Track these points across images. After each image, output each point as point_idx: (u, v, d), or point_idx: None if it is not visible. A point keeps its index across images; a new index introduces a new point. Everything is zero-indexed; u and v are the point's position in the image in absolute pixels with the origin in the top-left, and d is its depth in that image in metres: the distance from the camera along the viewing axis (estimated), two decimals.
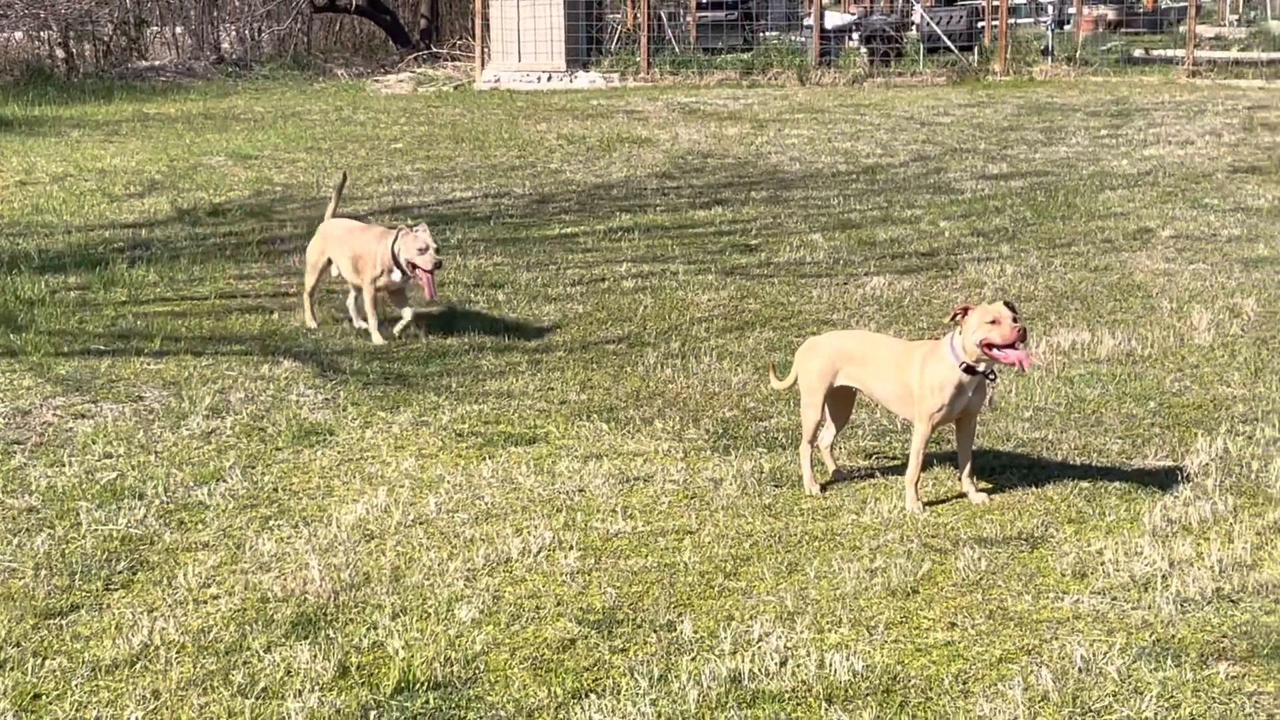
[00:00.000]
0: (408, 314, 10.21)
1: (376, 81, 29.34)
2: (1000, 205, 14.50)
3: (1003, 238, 13.01)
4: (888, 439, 7.90)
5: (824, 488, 7.15)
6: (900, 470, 7.18)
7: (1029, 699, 5.02)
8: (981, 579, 6.06)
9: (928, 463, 7.26)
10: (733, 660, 5.32)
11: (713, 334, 10.08)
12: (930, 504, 6.93)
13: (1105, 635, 5.49)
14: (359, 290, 10.27)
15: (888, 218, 14.09)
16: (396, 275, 9.92)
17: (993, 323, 6.59)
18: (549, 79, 28.05)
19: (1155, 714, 4.89)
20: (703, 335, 10.05)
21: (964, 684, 5.16)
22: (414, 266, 9.72)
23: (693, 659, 5.38)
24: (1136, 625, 5.57)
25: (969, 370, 6.71)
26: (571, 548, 6.44)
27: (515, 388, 8.91)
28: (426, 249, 9.65)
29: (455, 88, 27.93)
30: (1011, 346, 6.58)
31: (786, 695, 5.09)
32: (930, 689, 5.13)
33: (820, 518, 6.79)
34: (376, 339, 9.99)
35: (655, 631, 5.62)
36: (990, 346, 6.60)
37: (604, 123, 21.30)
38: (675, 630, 5.62)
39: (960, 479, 7.05)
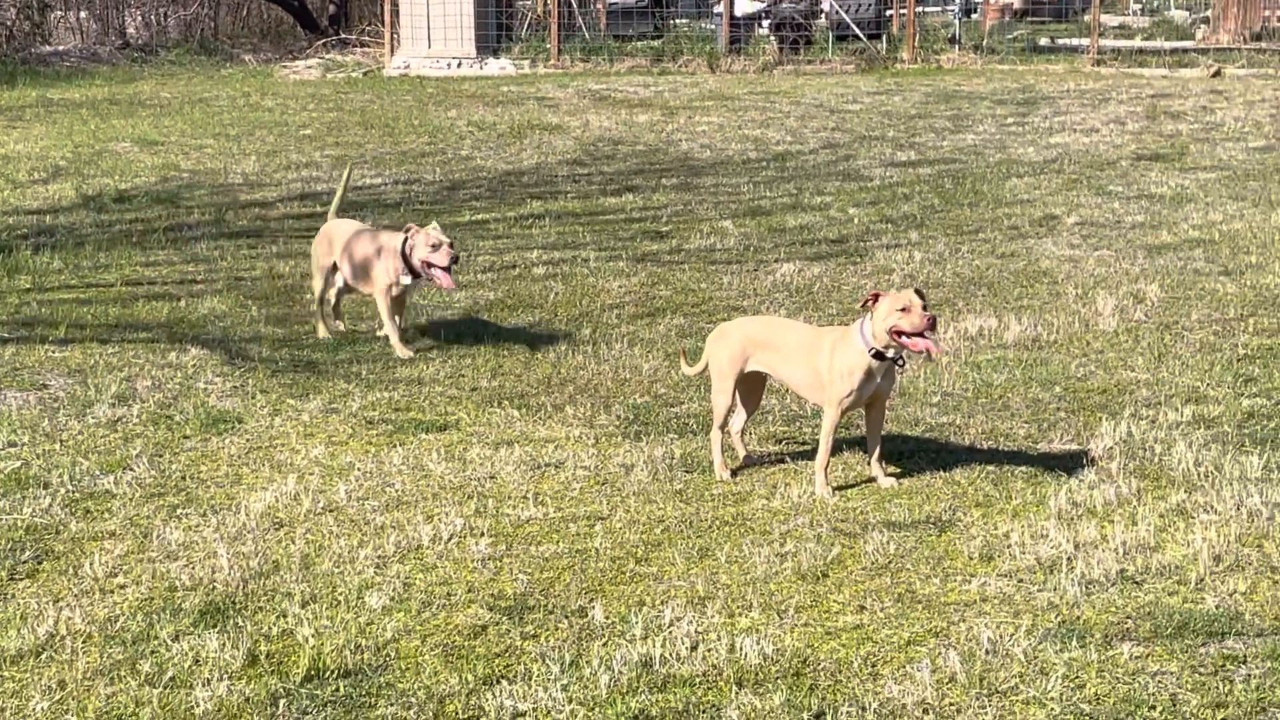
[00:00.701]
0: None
1: (285, 67, 29.09)
2: (909, 192, 14.61)
3: (911, 224, 13.10)
4: (798, 424, 7.95)
5: (735, 473, 7.18)
6: (810, 455, 7.22)
7: (937, 680, 5.07)
8: (890, 562, 6.11)
9: (837, 448, 7.31)
10: (644, 645, 5.34)
11: (624, 320, 10.09)
12: (840, 489, 6.97)
13: (1012, 617, 5.55)
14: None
15: (798, 205, 14.16)
16: (408, 279, 9.27)
17: (903, 310, 6.64)
18: (459, 65, 27.94)
19: (1060, 694, 4.95)
20: (614, 322, 10.06)
21: (873, 666, 5.21)
22: (429, 265, 9.11)
23: (604, 644, 5.39)
24: (1042, 607, 5.64)
25: (878, 356, 6.76)
26: (483, 534, 6.43)
27: (426, 375, 8.88)
28: (440, 245, 9.08)
29: (365, 74, 27.76)
30: (921, 334, 6.64)
31: (697, 679, 5.12)
32: (840, 672, 5.17)
33: (731, 503, 6.82)
34: (401, 351, 9.27)
35: (567, 617, 5.63)
36: (900, 334, 6.65)
37: (515, 109, 21.25)
38: (587, 616, 5.63)
39: (869, 464, 7.10)
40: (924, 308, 6.66)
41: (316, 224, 13.44)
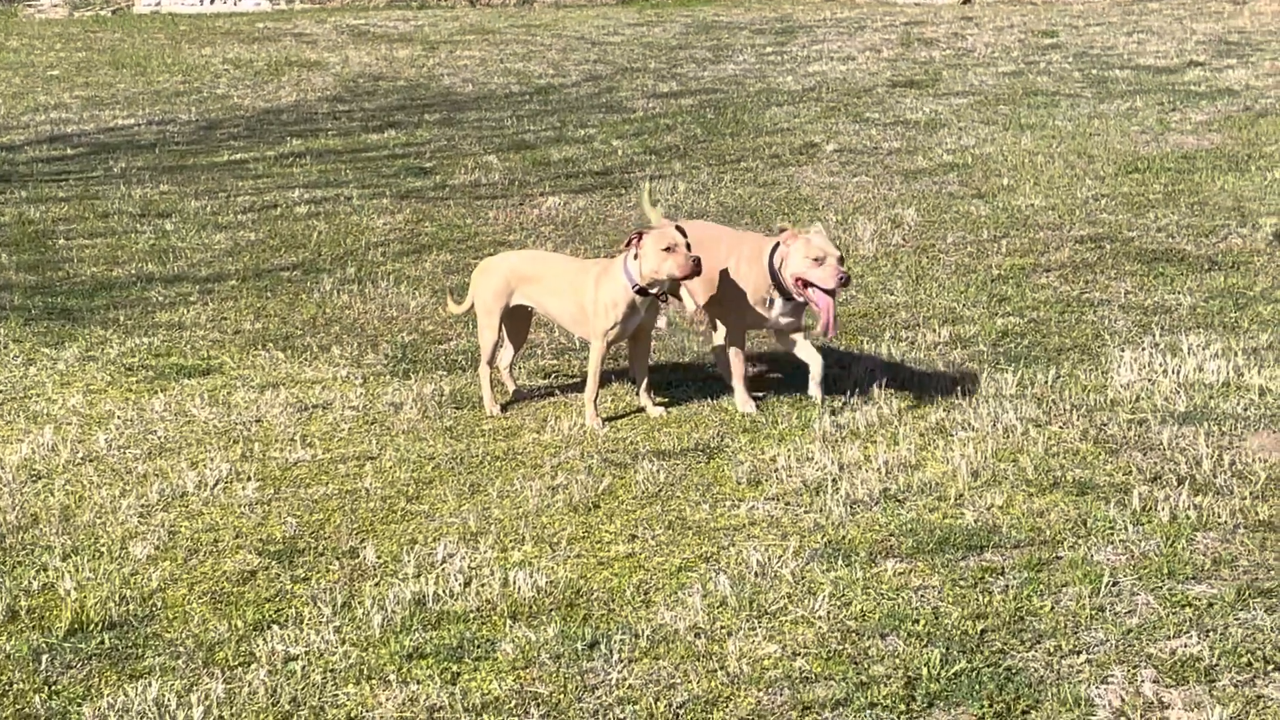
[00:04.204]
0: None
1: (29, 6, 28.09)
2: (671, 123, 14.68)
3: (674, 155, 13.18)
4: (566, 357, 7.96)
5: (504, 408, 7.18)
6: (580, 388, 7.24)
7: (708, 605, 5.13)
8: (661, 490, 6.16)
9: (606, 379, 7.34)
10: (416, 583, 5.32)
11: (389, 258, 9.99)
12: (610, 420, 7.01)
13: (780, 539, 5.65)
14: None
15: (561, 138, 14.14)
16: (779, 306, 7.06)
17: (667, 250, 6.66)
18: (212, 2, 27.27)
19: (828, 612, 5.06)
20: (379, 260, 9.96)
21: (645, 594, 5.26)
22: (805, 284, 6.81)
23: (376, 584, 5.36)
24: (809, 528, 5.74)
25: (641, 291, 6.80)
26: (250, 479, 6.34)
27: (187, 319, 8.70)
28: (824, 258, 6.75)
29: (114, 12, 26.95)
30: (687, 277, 6.70)
31: (471, 614, 5.12)
32: (612, 600, 5.21)
33: (501, 438, 6.82)
34: (748, 406, 7.06)
35: (338, 559, 5.58)
36: (663, 280, 6.71)
37: (271, 46, 20.83)
38: (358, 557, 5.59)
39: (638, 394, 7.15)
40: (688, 246, 6.70)
41: (67, 168, 13.05)
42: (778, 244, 6.88)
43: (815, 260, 6.69)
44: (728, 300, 7.03)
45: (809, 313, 7.19)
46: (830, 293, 6.71)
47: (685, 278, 6.70)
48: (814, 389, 7.11)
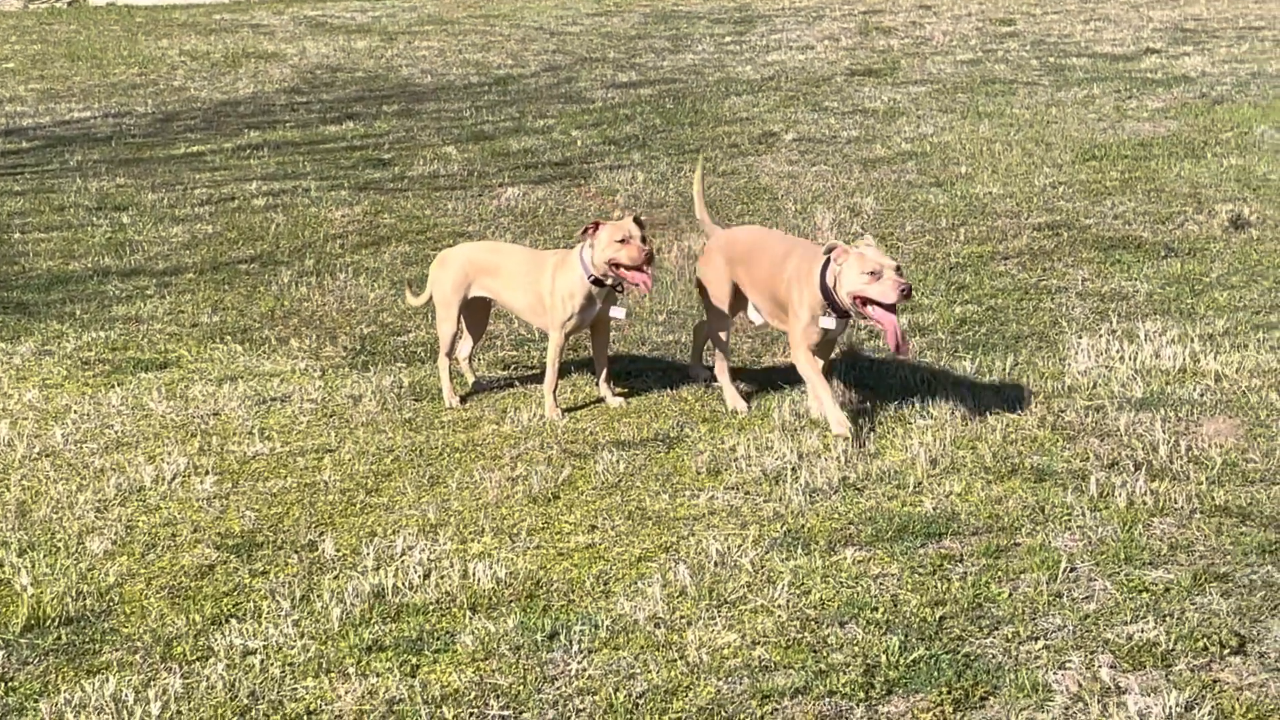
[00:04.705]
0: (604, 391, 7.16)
1: None
2: (630, 113, 14.66)
3: (634, 145, 13.16)
4: (526, 349, 7.95)
5: (464, 399, 7.17)
6: (539, 379, 7.24)
7: (667, 594, 5.14)
8: (620, 481, 6.16)
9: (565, 370, 7.33)
10: (376, 576, 5.31)
11: (348, 250, 9.96)
12: (569, 410, 7.01)
13: (739, 529, 5.66)
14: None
15: (520, 128, 14.11)
16: (831, 323, 6.60)
17: (622, 241, 6.66)
18: None
19: (787, 601, 5.07)
20: (338, 252, 9.92)
21: (605, 584, 5.26)
22: (864, 302, 6.35)
23: (335, 577, 5.35)
24: (768, 517, 5.75)
25: (597, 283, 6.79)
26: (208, 472, 6.31)
27: (144, 312, 8.66)
28: (880, 271, 6.27)
29: (70, 4, 26.76)
30: (638, 268, 6.69)
31: (431, 607, 5.11)
32: (572, 591, 5.21)
33: (461, 429, 6.81)
34: (843, 426, 6.48)
35: (296, 552, 5.56)
36: (617, 265, 6.69)
37: (228, 38, 20.73)
38: (317, 550, 5.58)
39: (598, 384, 7.15)
40: (643, 239, 6.70)
41: (22, 161, 12.96)
42: (827, 261, 6.42)
43: (871, 274, 6.22)
44: (795, 320, 6.59)
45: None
46: (891, 307, 6.26)
47: (636, 267, 6.69)
48: (813, 408, 6.70)
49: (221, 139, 13.88)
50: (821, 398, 6.54)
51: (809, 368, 6.57)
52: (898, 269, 6.28)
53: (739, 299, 7.01)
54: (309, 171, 12.40)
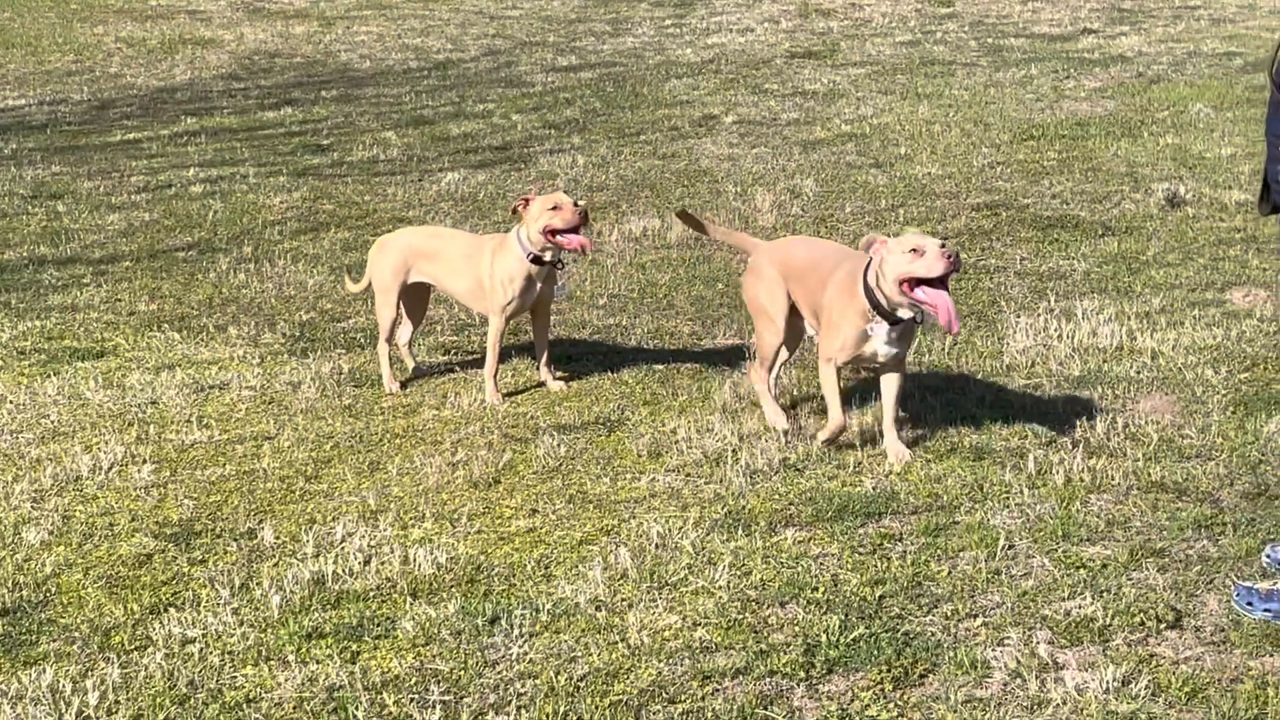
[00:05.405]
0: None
1: None
2: (570, 97, 14.63)
3: (574, 129, 13.14)
4: (466, 333, 7.93)
5: (404, 385, 7.14)
6: (479, 364, 7.22)
7: (608, 578, 5.14)
8: (561, 465, 6.16)
9: (506, 354, 7.32)
10: (316, 563, 5.29)
11: (286, 236, 9.91)
12: (510, 395, 7.00)
13: (680, 511, 5.66)
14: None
15: (460, 113, 14.06)
16: (881, 335, 5.97)
17: (554, 209, 6.67)
18: None
19: (728, 582, 5.07)
20: (276, 238, 9.86)
21: (546, 568, 5.26)
22: (911, 285, 5.80)
23: (275, 565, 5.32)
24: (709, 499, 5.76)
25: (536, 261, 6.78)
26: (145, 461, 6.27)
27: (80, 301, 8.59)
28: (922, 248, 5.77)
29: None
30: (574, 230, 6.69)
31: (371, 593, 5.09)
32: (513, 576, 5.20)
33: (401, 415, 6.79)
34: (837, 420, 6.14)
35: (235, 540, 5.53)
36: (554, 233, 6.68)
37: (164, 24, 20.55)
38: (256, 537, 5.55)
39: (538, 368, 7.14)
40: (575, 204, 6.71)
41: None
42: (869, 266, 5.92)
43: (914, 252, 5.73)
44: (831, 331, 6.08)
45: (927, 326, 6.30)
46: (941, 282, 5.77)
47: (573, 229, 6.67)
48: (887, 430, 6.15)
49: (158, 126, 13.77)
50: (831, 417, 6.11)
51: (832, 385, 6.09)
52: (942, 244, 5.81)
53: (797, 316, 6.44)
54: (247, 158, 12.32)
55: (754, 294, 6.46)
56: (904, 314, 5.89)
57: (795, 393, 6.82)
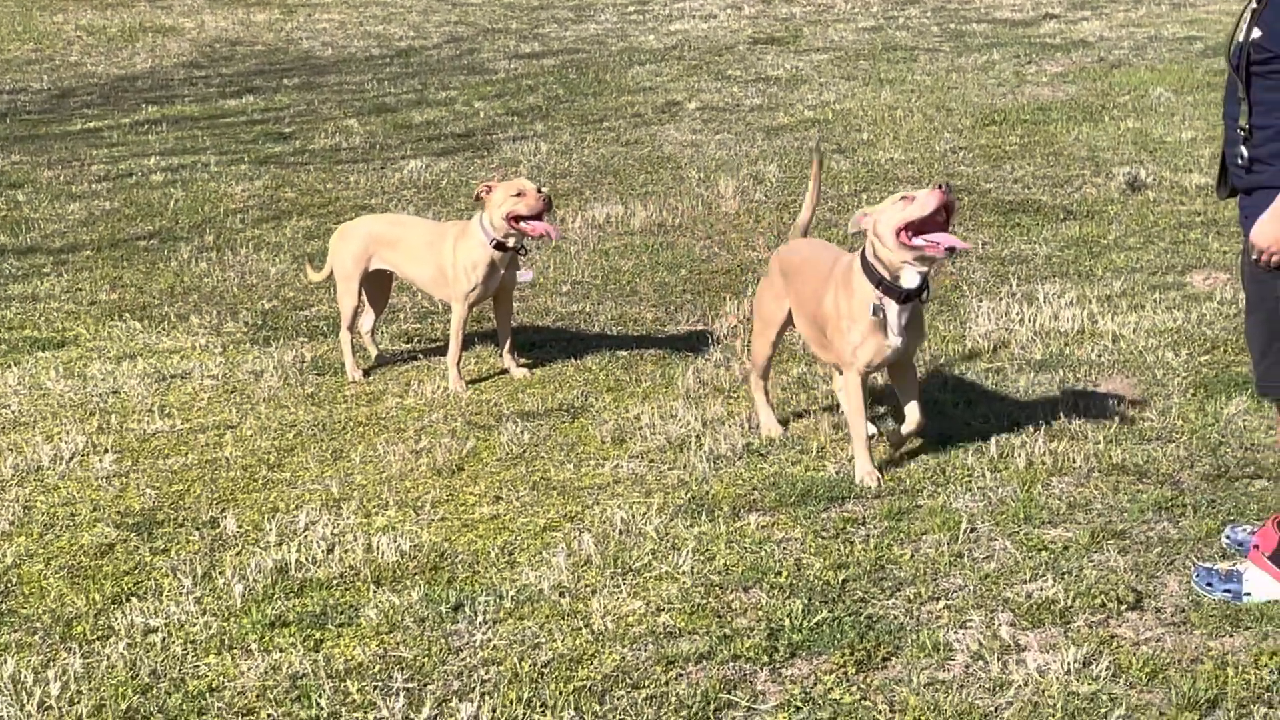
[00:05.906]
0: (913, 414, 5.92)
1: None
2: (533, 84, 14.61)
3: (537, 116, 13.13)
4: (429, 321, 7.92)
5: (367, 373, 7.13)
6: (442, 351, 7.21)
7: (572, 564, 5.14)
8: (525, 452, 6.16)
9: (469, 342, 7.31)
10: (279, 551, 5.27)
11: (249, 225, 9.87)
12: (473, 382, 6.99)
13: (644, 497, 5.67)
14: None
15: (423, 100, 14.03)
16: (894, 319, 5.65)
17: (518, 195, 6.66)
18: None
19: (691, 567, 5.08)
20: (238, 227, 9.83)
21: (510, 555, 5.25)
22: (911, 233, 5.50)
23: (237, 553, 5.31)
24: (673, 485, 5.77)
25: (500, 247, 6.77)
26: (107, 451, 6.24)
27: (40, 290, 8.54)
28: (912, 196, 5.53)
29: None
30: (538, 217, 6.68)
31: (334, 581, 5.08)
32: (477, 563, 5.20)
33: (364, 403, 6.77)
34: (870, 477, 5.72)
35: (198, 529, 5.52)
36: (518, 219, 6.67)
37: (125, 12, 20.44)
38: (219, 526, 5.53)
39: (502, 355, 7.13)
40: (538, 190, 6.70)
41: None
42: (863, 250, 5.66)
43: (904, 199, 5.48)
44: (844, 329, 5.73)
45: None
46: (939, 220, 5.45)
47: (536, 216, 6.66)
48: (907, 430, 5.91)
49: (119, 115, 13.70)
50: (855, 439, 5.78)
51: (856, 400, 5.74)
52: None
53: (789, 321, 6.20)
54: (208, 146, 12.27)
55: (759, 299, 6.30)
56: (911, 279, 5.54)
57: (791, 405, 6.84)
